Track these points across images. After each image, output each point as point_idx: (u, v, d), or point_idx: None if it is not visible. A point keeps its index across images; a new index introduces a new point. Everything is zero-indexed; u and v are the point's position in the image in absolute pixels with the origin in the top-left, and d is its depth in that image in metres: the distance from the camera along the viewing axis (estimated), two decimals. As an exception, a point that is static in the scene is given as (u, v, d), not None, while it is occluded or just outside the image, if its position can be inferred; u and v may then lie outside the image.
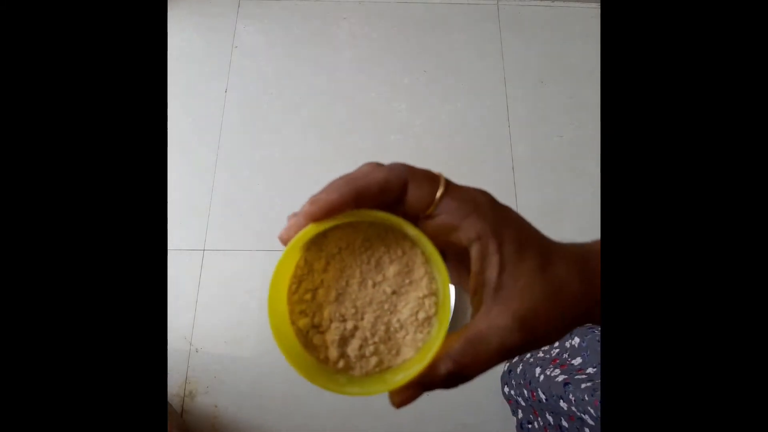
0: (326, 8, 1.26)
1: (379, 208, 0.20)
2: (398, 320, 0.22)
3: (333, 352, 0.22)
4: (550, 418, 0.68)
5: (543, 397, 0.68)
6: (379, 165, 0.21)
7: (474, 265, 0.21)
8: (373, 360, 0.22)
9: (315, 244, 0.22)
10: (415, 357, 0.21)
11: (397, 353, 0.22)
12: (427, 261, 0.22)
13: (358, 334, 0.22)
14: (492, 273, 0.20)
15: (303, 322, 0.22)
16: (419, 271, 0.22)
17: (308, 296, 0.22)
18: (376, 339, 0.22)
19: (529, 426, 0.78)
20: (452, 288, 0.23)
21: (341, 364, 0.22)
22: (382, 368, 0.22)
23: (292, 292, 0.22)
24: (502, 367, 0.94)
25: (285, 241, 0.21)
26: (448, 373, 0.20)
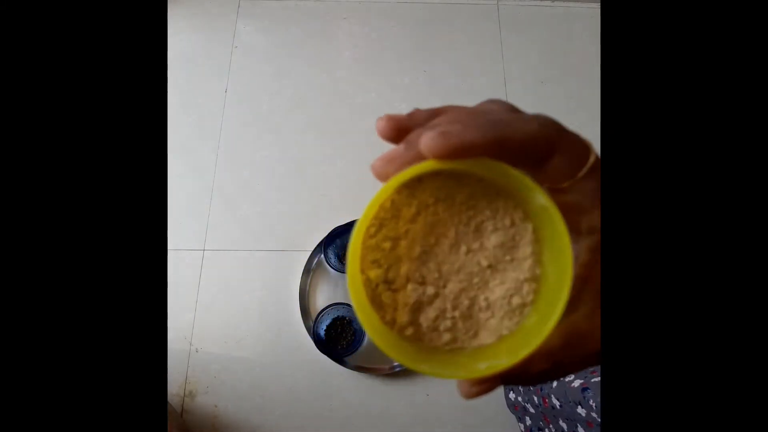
0: (326, 8, 1.26)
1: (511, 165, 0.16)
2: (486, 299, 0.18)
3: (403, 317, 0.18)
4: (564, 425, 0.66)
5: (557, 403, 0.66)
6: (517, 111, 0.18)
7: (584, 255, 0.18)
8: (446, 336, 0.18)
9: (407, 186, 0.18)
10: (495, 345, 0.18)
11: (475, 335, 0.19)
12: (538, 241, 0.18)
13: (437, 303, 0.18)
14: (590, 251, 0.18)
15: (374, 273, 0.18)
16: (525, 250, 0.18)
17: (387, 244, 0.18)
18: (457, 314, 0.18)
19: None
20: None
21: (409, 331, 0.18)
22: (454, 347, 0.19)
23: (369, 236, 0.18)
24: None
25: (382, 176, 0.17)
26: (541, 372, 0.18)
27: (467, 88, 1.18)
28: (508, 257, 0.19)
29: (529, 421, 0.80)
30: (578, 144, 0.17)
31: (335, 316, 0.95)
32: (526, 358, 0.17)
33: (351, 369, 0.93)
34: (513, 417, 0.91)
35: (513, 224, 0.19)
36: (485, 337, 0.19)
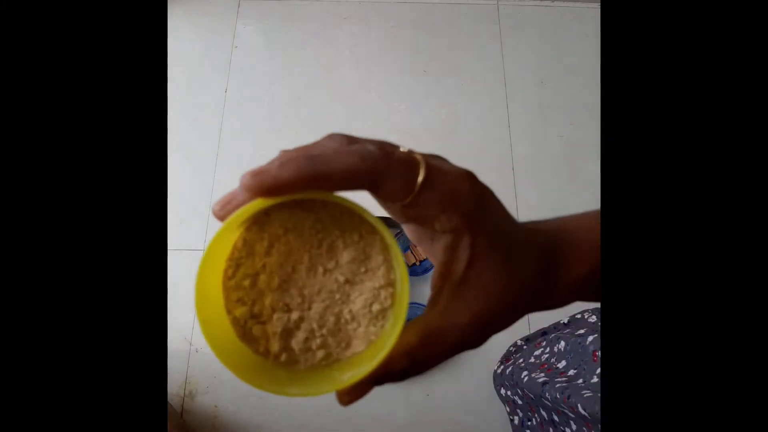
0: (326, 8, 1.26)
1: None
2: (350, 311, 0.20)
3: (274, 345, 0.19)
4: (544, 413, 0.70)
5: (532, 395, 0.71)
6: (349, 141, 0.18)
7: (443, 254, 0.20)
8: (320, 353, 0.20)
9: (256, 223, 0.19)
10: (366, 351, 0.20)
11: (347, 346, 0.20)
12: (386, 248, 0.20)
13: (304, 325, 0.19)
14: (459, 267, 0.19)
15: (240, 311, 0.19)
16: (377, 259, 0.20)
17: (247, 282, 0.19)
18: (324, 331, 0.20)
19: (529, 423, 0.78)
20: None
21: (284, 357, 0.19)
22: (330, 361, 0.20)
23: (228, 277, 0.19)
24: (493, 368, 0.94)
25: (220, 218, 0.18)
26: (403, 370, 0.19)
27: (467, 88, 1.18)
28: (362, 269, 0.20)
29: (520, 414, 0.82)
30: (406, 163, 0.18)
31: None
32: (387, 359, 0.18)
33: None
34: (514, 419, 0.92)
35: (361, 238, 0.20)
36: (357, 346, 0.20)
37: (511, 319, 0.21)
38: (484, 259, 0.19)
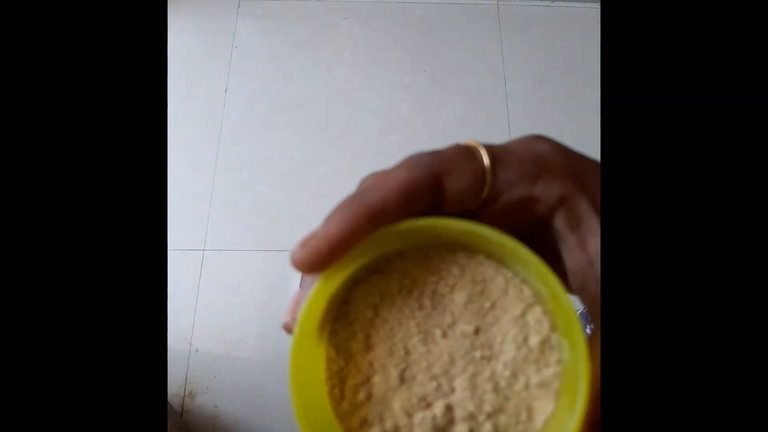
0: (326, 8, 1.26)
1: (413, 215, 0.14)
2: (505, 364, 0.14)
3: None
4: None
5: None
6: (387, 171, 0.14)
7: (567, 240, 0.14)
8: None
9: (338, 318, 0.15)
10: (558, 406, 0.14)
11: (529, 415, 0.14)
12: (500, 263, 0.15)
13: (458, 414, 0.14)
14: (597, 241, 0.14)
15: (355, 419, 0.15)
16: (497, 282, 0.15)
17: (362, 395, 0.15)
18: (489, 409, 0.14)
19: None
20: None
21: None
22: None
23: (337, 401, 0.15)
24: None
25: (290, 329, 0.15)
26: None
27: (467, 88, 1.18)
28: (487, 304, 0.15)
29: None
30: (461, 153, 0.14)
31: None
32: (594, 399, 0.13)
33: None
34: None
35: (463, 268, 0.15)
36: (545, 407, 0.14)
37: None
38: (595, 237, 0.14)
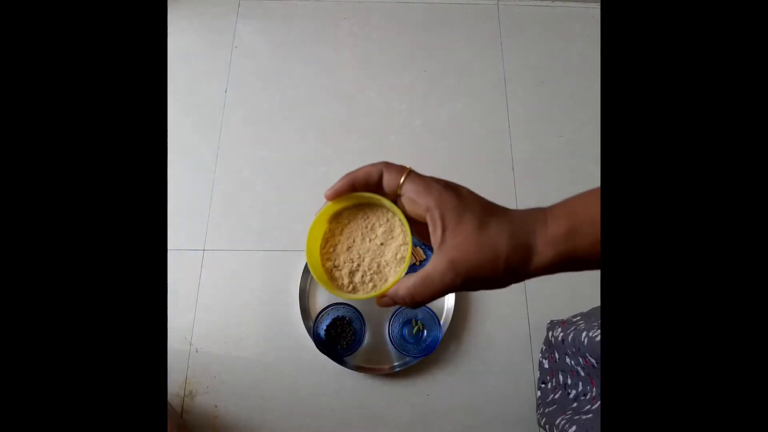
0: (326, 8, 1.26)
1: (371, 191, 0.32)
2: (385, 260, 0.35)
3: (345, 281, 0.35)
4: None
5: (593, 361, 0.70)
6: (372, 164, 0.32)
7: (429, 228, 0.30)
8: (370, 285, 0.35)
9: (334, 219, 0.36)
10: (393, 282, 0.33)
11: (385, 281, 0.34)
12: (401, 225, 0.35)
13: (361, 269, 0.35)
14: (438, 232, 0.29)
15: (328, 264, 0.36)
16: (397, 231, 0.35)
17: (331, 249, 0.36)
18: (372, 272, 0.35)
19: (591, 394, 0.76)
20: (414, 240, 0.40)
21: (350, 288, 0.35)
22: (376, 290, 0.34)
23: (322, 247, 0.36)
24: (494, 369, 0.94)
25: (327, 196, 0.33)
26: (404, 297, 0.31)
27: (467, 88, 1.18)
28: (390, 237, 0.35)
29: (580, 386, 0.80)
30: (396, 168, 0.31)
31: (335, 316, 0.95)
32: (394, 287, 0.32)
33: (351, 369, 0.93)
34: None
35: (387, 220, 0.35)
36: (390, 279, 0.34)
37: (491, 274, 0.28)
38: (454, 225, 0.29)
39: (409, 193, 0.30)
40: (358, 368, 0.93)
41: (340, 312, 0.94)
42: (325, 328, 0.94)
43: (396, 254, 0.35)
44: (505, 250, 0.28)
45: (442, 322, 0.95)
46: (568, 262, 0.26)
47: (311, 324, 0.94)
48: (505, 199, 1.09)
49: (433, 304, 0.96)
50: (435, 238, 0.29)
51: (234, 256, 1.03)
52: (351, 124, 1.14)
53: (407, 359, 0.94)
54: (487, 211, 0.30)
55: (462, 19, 1.25)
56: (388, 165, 0.31)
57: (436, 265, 0.29)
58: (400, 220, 0.34)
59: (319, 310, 0.93)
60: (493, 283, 0.28)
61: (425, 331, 0.96)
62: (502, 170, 1.11)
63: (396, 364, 0.94)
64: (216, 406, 0.93)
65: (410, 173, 0.30)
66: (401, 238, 0.35)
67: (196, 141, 1.12)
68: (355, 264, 0.35)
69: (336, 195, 0.32)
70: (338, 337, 0.94)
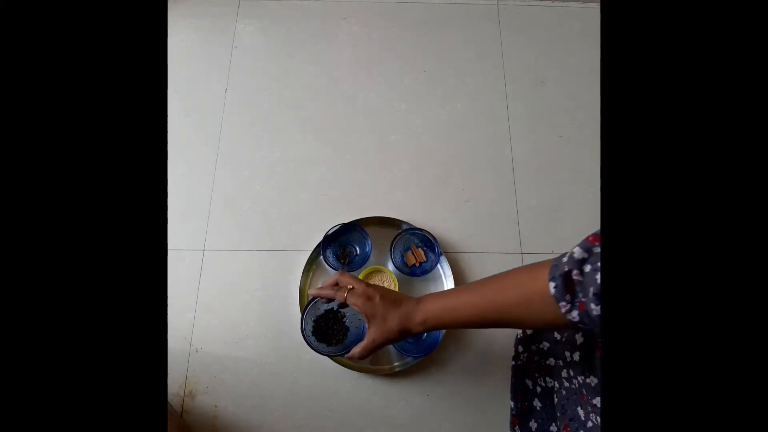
0: (326, 8, 1.26)
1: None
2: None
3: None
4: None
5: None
6: (343, 285, 0.70)
7: (364, 319, 0.64)
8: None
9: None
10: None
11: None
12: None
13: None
14: (368, 325, 0.65)
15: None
16: (389, 281, 0.78)
17: None
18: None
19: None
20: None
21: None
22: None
23: None
24: (492, 369, 0.95)
25: (310, 294, 0.69)
26: (355, 354, 0.67)
27: (467, 88, 1.18)
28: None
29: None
30: (342, 291, 0.70)
31: (330, 308, 0.82)
32: (357, 347, 0.68)
33: (351, 369, 0.93)
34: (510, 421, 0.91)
35: (382, 281, 0.85)
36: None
37: (388, 341, 0.65)
38: (372, 321, 0.65)
39: (351, 302, 0.67)
40: (358, 368, 0.93)
41: (335, 303, 0.78)
42: (314, 319, 0.81)
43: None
44: (397, 329, 0.64)
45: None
46: (430, 329, 0.64)
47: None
48: (505, 200, 1.09)
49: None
50: (368, 325, 0.65)
51: (234, 256, 1.03)
52: (351, 124, 1.14)
53: (407, 359, 0.94)
54: (387, 308, 0.65)
55: (462, 19, 1.25)
56: (339, 288, 0.68)
57: (368, 339, 0.65)
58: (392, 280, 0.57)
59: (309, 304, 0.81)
60: (394, 341, 0.65)
61: (424, 335, 0.96)
62: (502, 170, 1.11)
63: (396, 364, 0.94)
64: (216, 406, 0.93)
65: (349, 292, 0.67)
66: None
67: (196, 141, 1.12)
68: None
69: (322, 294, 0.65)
70: (328, 330, 0.82)
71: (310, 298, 0.75)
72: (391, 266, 0.97)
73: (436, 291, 0.76)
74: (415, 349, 0.94)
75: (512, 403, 0.88)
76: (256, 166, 1.10)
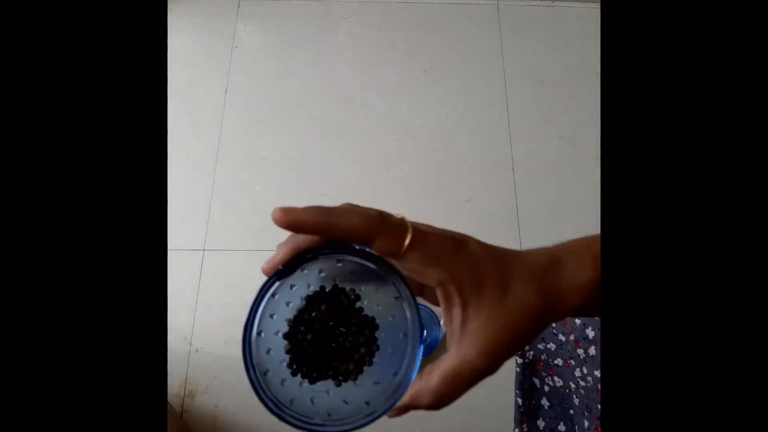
0: (326, 8, 1.26)
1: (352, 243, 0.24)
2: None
3: None
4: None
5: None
6: (354, 210, 0.24)
7: (441, 305, 0.24)
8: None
9: None
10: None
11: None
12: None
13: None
14: (457, 312, 0.23)
15: None
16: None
17: None
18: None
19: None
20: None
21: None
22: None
23: None
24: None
25: (266, 272, 0.26)
26: (428, 404, 0.25)
27: (467, 88, 1.18)
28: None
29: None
30: (396, 229, 0.23)
31: (310, 292, 0.27)
32: (413, 395, 0.25)
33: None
34: (512, 418, 0.91)
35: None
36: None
37: (520, 346, 0.24)
38: (476, 300, 0.23)
39: (414, 262, 0.22)
40: (358, 368, 0.93)
41: (331, 267, 0.26)
42: (288, 324, 0.26)
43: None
44: (537, 312, 0.23)
45: (442, 323, 0.95)
46: (583, 311, 0.25)
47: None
48: (505, 200, 1.09)
49: (433, 305, 0.96)
50: (452, 317, 0.23)
51: (234, 256, 1.03)
52: (351, 123, 1.14)
53: (407, 359, 0.93)
54: (503, 270, 0.23)
55: (462, 19, 1.25)
56: (382, 224, 0.22)
57: (463, 355, 0.23)
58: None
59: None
60: (531, 338, 0.24)
61: (425, 331, 0.96)
62: (502, 170, 1.11)
63: (396, 364, 0.94)
64: (216, 406, 0.93)
65: (414, 237, 0.22)
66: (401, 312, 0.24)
67: (196, 141, 1.12)
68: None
69: (297, 226, 0.23)
70: (327, 343, 0.25)
71: (270, 278, 0.27)
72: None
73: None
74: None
75: (519, 401, 0.87)
76: (256, 166, 1.10)
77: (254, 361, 0.26)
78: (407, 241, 0.22)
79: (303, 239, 0.25)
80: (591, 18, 1.25)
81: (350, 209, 0.23)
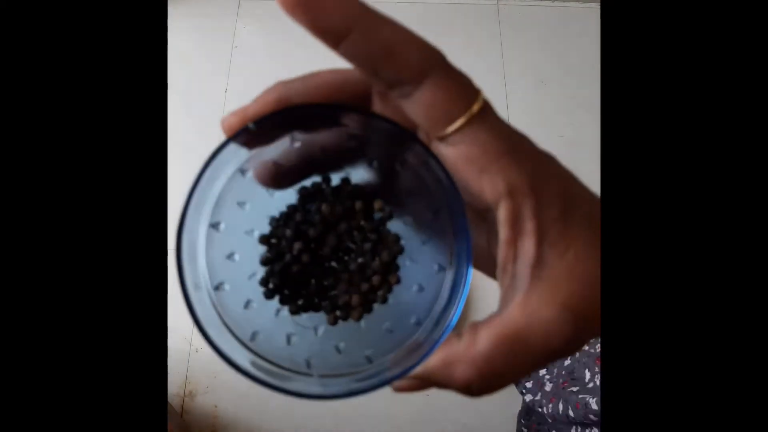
0: (326, 8, 1.26)
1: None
2: None
3: None
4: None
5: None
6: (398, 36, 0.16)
7: (502, 231, 0.14)
8: None
9: None
10: None
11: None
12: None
13: None
14: (529, 244, 0.14)
15: None
16: None
17: None
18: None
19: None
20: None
21: None
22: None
23: None
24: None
25: (227, 126, 0.17)
26: (465, 382, 0.14)
27: (467, 88, 1.18)
28: None
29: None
30: (458, 84, 0.14)
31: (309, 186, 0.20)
32: (446, 362, 0.14)
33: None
34: (512, 418, 0.91)
35: None
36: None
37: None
38: (562, 230, 0.14)
39: (474, 145, 0.14)
40: (358, 368, 0.93)
41: (340, 145, 0.18)
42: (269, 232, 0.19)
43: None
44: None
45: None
46: None
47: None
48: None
49: (433, 304, 0.96)
50: (518, 252, 0.15)
51: (234, 256, 1.03)
52: (351, 124, 1.14)
53: (407, 359, 0.93)
54: (598, 203, 0.16)
55: (462, 19, 1.25)
56: (444, 65, 0.14)
57: (534, 311, 0.14)
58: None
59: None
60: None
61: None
62: (502, 170, 1.11)
63: (396, 364, 0.94)
64: (216, 406, 0.93)
65: (486, 106, 0.14)
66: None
67: (196, 141, 1.12)
68: None
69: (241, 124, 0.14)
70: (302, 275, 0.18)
71: (229, 138, 0.18)
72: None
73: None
74: (415, 349, 0.93)
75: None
76: (256, 166, 1.10)
77: (198, 261, 0.16)
78: (476, 107, 0.14)
79: (298, 87, 0.15)
80: (591, 18, 1.25)
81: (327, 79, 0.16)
